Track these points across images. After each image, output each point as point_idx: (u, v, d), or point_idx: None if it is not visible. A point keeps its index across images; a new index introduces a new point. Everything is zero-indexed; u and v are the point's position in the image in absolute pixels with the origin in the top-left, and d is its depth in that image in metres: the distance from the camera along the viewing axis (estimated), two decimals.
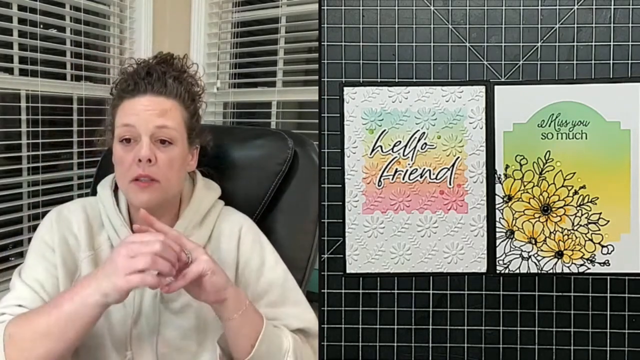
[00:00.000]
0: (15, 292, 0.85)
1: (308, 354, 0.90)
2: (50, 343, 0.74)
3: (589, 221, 0.72)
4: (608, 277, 0.72)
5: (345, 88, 0.73)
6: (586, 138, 0.72)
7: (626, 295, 0.72)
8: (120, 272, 0.72)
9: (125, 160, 0.87)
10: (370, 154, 0.74)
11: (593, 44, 0.72)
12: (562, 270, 0.73)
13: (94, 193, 1.06)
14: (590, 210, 0.72)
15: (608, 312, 0.72)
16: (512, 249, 0.73)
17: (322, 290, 0.74)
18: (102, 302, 0.74)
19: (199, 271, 0.77)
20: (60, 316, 0.74)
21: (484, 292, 0.73)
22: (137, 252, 0.73)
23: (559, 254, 0.73)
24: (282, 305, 0.93)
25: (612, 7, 0.71)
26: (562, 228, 0.73)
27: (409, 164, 0.73)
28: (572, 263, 0.73)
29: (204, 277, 0.77)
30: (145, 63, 0.93)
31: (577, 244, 0.73)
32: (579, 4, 0.72)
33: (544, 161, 0.72)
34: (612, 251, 0.72)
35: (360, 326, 0.74)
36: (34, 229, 1.85)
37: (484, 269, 0.73)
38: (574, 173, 0.72)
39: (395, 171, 0.73)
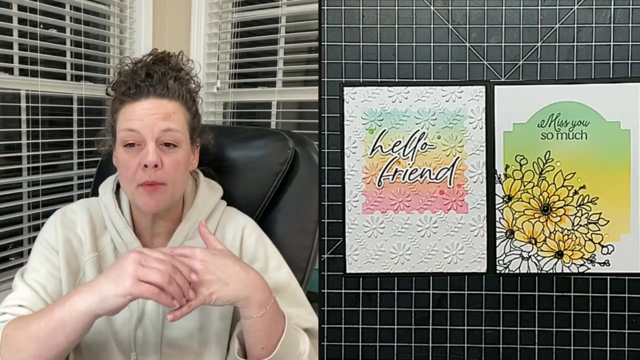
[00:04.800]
0: (17, 292, 0.85)
1: (313, 354, 0.90)
2: (40, 347, 0.73)
3: (589, 221, 0.72)
4: (608, 277, 0.72)
5: (345, 88, 0.73)
6: (586, 138, 0.72)
7: (626, 295, 0.72)
8: (131, 275, 0.70)
9: (130, 165, 0.86)
10: (370, 154, 0.74)
11: (593, 44, 0.72)
12: (562, 270, 0.73)
13: (94, 193, 1.06)
14: (590, 210, 0.72)
15: (608, 312, 0.72)
16: (512, 249, 0.73)
17: (322, 290, 0.74)
18: (93, 309, 0.72)
19: (200, 303, 0.75)
20: (50, 322, 0.73)
21: (484, 292, 0.73)
22: (151, 265, 0.71)
23: (559, 254, 0.73)
24: (288, 306, 0.93)
25: (612, 7, 0.71)
26: (562, 228, 0.73)
27: (409, 164, 0.73)
28: (572, 263, 0.73)
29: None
30: (143, 63, 0.92)
31: (577, 244, 0.73)
32: (579, 4, 0.72)
33: (544, 161, 0.72)
34: (612, 251, 0.72)
35: (360, 326, 0.74)
36: (34, 229, 1.86)
37: (484, 269, 0.73)
38: (574, 173, 0.72)
39: (395, 171, 0.73)
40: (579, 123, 0.72)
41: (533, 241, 0.73)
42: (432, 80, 0.73)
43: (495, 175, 0.73)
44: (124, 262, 0.72)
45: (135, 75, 0.89)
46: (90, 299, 0.72)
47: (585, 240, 0.73)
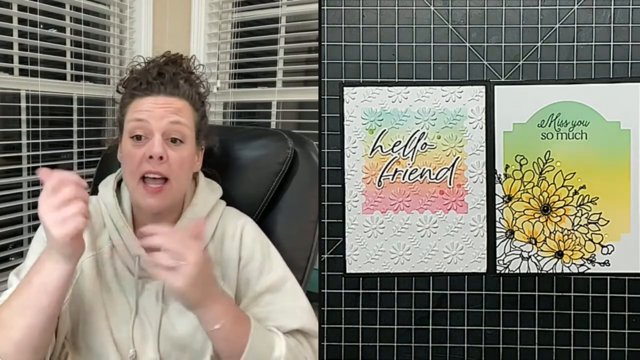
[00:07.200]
0: (12, 289, 0.85)
1: (309, 355, 0.90)
2: (28, 317, 0.75)
3: (589, 221, 0.72)
4: (608, 277, 0.72)
5: (345, 88, 0.73)
6: (586, 138, 0.72)
7: (626, 295, 0.72)
8: (54, 225, 0.71)
9: (135, 156, 0.86)
10: (370, 154, 0.74)
11: (593, 44, 0.72)
12: (562, 270, 0.73)
13: (93, 193, 1.06)
14: (590, 210, 0.72)
15: (608, 312, 0.72)
16: (512, 249, 0.73)
17: (322, 290, 0.74)
18: (62, 262, 0.74)
19: (172, 287, 0.74)
20: (31, 289, 0.75)
21: (484, 292, 0.73)
22: (60, 203, 0.71)
23: (559, 254, 0.73)
24: (281, 305, 0.92)
25: (612, 7, 0.71)
26: (562, 228, 0.73)
27: (409, 164, 0.73)
28: (572, 263, 0.73)
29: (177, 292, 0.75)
30: (155, 63, 0.94)
31: (577, 244, 0.73)
32: (579, 4, 0.72)
33: (544, 161, 0.72)
34: (612, 251, 0.72)
35: (360, 326, 0.74)
36: (34, 229, 1.85)
37: (484, 269, 0.73)
38: (574, 173, 0.72)
39: (395, 171, 0.73)
40: (579, 123, 0.72)
41: (533, 241, 0.73)
42: (432, 80, 0.73)
43: (495, 175, 0.73)
44: (41, 215, 0.72)
45: (147, 73, 0.91)
46: (55, 255, 0.74)
47: (585, 240, 0.73)
